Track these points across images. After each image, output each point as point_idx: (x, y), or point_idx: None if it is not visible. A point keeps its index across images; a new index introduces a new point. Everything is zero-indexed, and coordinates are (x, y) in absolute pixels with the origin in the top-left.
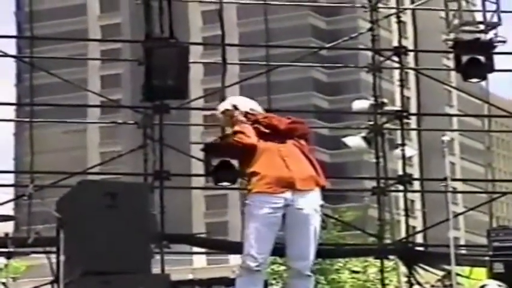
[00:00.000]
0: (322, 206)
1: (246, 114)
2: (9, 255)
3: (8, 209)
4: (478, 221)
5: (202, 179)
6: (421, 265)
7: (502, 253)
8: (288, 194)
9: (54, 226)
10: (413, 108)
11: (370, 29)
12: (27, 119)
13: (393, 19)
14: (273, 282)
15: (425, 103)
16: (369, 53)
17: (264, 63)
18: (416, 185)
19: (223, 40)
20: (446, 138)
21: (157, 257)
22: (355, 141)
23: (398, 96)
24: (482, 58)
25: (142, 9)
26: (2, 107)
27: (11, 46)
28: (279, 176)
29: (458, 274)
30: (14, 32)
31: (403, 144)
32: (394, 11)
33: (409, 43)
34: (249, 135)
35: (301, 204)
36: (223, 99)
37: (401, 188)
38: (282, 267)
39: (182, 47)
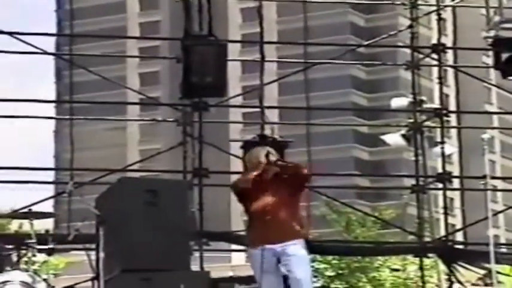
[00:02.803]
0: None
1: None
2: (49, 252)
3: (48, 206)
4: None
5: None
6: (461, 263)
7: None
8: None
9: (93, 223)
10: (452, 106)
11: (410, 26)
12: (67, 117)
13: (433, 16)
14: (313, 280)
15: (465, 101)
16: (408, 51)
17: (302, 60)
18: (456, 183)
19: (262, 38)
20: (486, 136)
21: (196, 254)
22: (394, 139)
23: (437, 93)
24: None
25: (182, 6)
26: (42, 105)
27: (50, 44)
28: (260, 233)
29: (499, 272)
30: (53, 30)
31: (442, 142)
32: (434, 8)
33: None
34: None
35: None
36: (261, 96)
37: (440, 186)
38: (322, 265)
39: (221, 45)
